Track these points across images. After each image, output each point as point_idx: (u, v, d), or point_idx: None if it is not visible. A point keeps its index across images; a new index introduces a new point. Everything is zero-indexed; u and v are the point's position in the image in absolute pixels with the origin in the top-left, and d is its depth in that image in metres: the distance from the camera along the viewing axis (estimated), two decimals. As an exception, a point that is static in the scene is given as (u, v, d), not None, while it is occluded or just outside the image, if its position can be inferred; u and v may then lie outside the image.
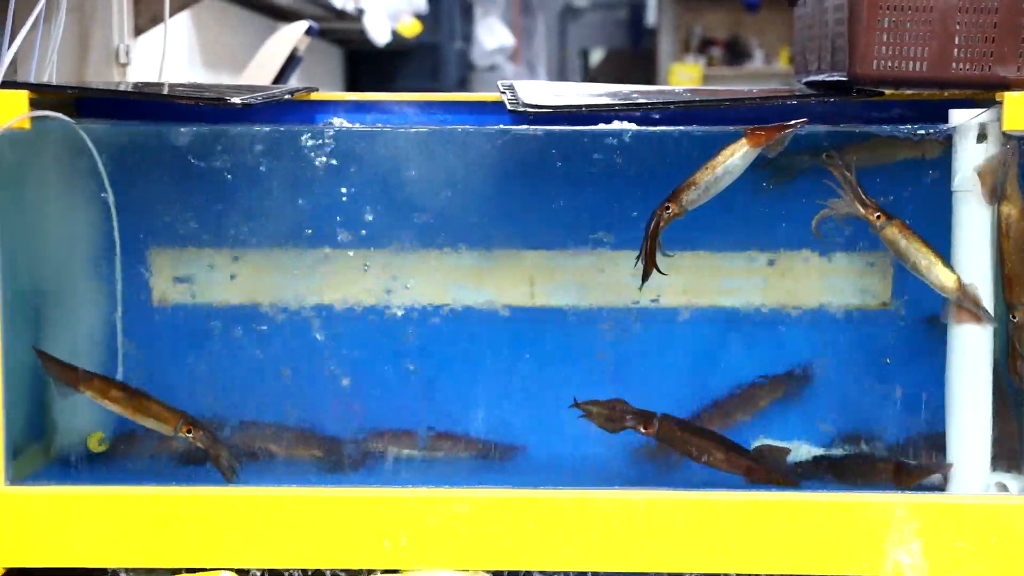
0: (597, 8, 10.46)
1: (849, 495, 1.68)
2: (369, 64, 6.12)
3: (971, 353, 1.66)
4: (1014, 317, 1.65)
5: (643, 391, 1.85)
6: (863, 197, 1.67)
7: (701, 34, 8.64)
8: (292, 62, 3.26)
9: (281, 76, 3.24)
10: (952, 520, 1.63)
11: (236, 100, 1.69)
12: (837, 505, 1.65)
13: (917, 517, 1.63)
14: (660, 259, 1.67)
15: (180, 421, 1.77)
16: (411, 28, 5.72)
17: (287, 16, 4.16)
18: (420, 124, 1.85)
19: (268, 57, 3.18)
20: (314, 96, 1.86)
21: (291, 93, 1.83)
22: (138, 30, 2.77)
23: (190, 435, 1.77)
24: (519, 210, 1.88)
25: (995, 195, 1.63)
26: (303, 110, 1.86)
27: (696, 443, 1.77)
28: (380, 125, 1.84)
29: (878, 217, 1.67)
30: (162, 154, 1.86)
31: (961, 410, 1.67)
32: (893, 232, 1.67)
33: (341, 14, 4.67)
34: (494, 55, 7.08)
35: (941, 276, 1.66)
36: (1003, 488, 1.66)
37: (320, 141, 1.82)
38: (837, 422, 1.86)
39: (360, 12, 4.78)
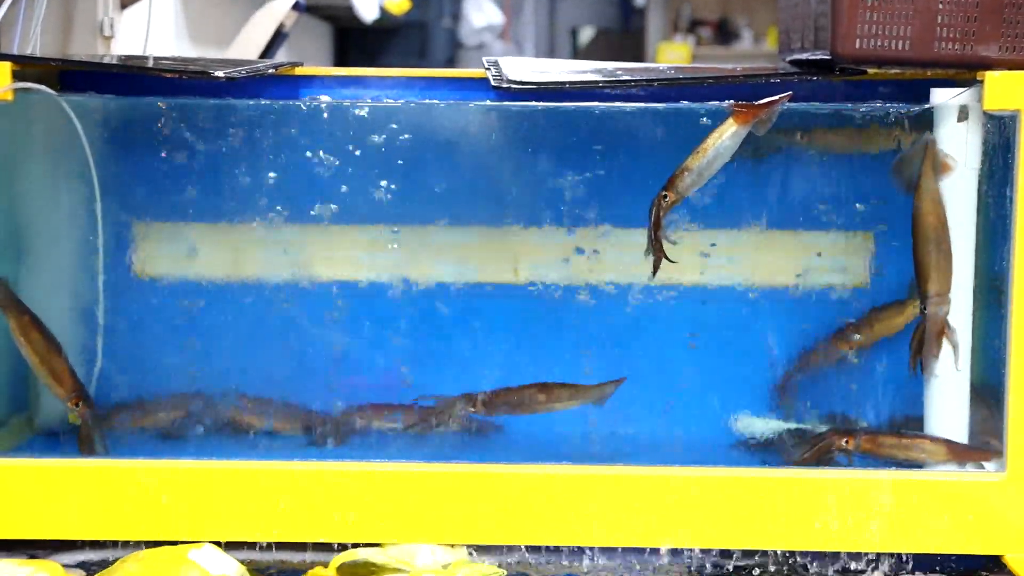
0: (587, -13, 10.42)
1: (826, 471, 1.69)
2: (357, 41, 6.10)
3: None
4: (925, 309, 1.66)
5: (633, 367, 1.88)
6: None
7: (690, 14, 8.62)
8: (279, 38, 3.25)
9: (267, 51, 3.22)
10: (930, 496, 1.65)
11: (220, 73, 1.69)
12: (816, 482, 1.66)
13: (896, 493, 1.65)
14: (666, 246, 1.68)
15: (73, 392, 1.78)
16: (399, 5, 5.69)
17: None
18: (404, 99, 1.85)
19: (254, 32, 3.17)
20: (298, 71, 1.86)
21: (275, 67, 1.83)
22: (124, 4, 2.76)
23: (77, 408, 1.79)
24: (504, 187, 1.88)
25: (911, 186, 1.64)
26: (287, 85, 1.85)
27: None
28: (365, 100, 1.84)
29: None
30: (145, 127, 1.86)
31: (939, 388, 1.68)
32: None
33: (330, -10, 4.67)
34: (482, 33, 7.05)
35: None
36: (979, 466, 1.67)
37: (304, 116, 1.82)
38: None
39: (348, -12, 4.77)
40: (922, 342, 1.68)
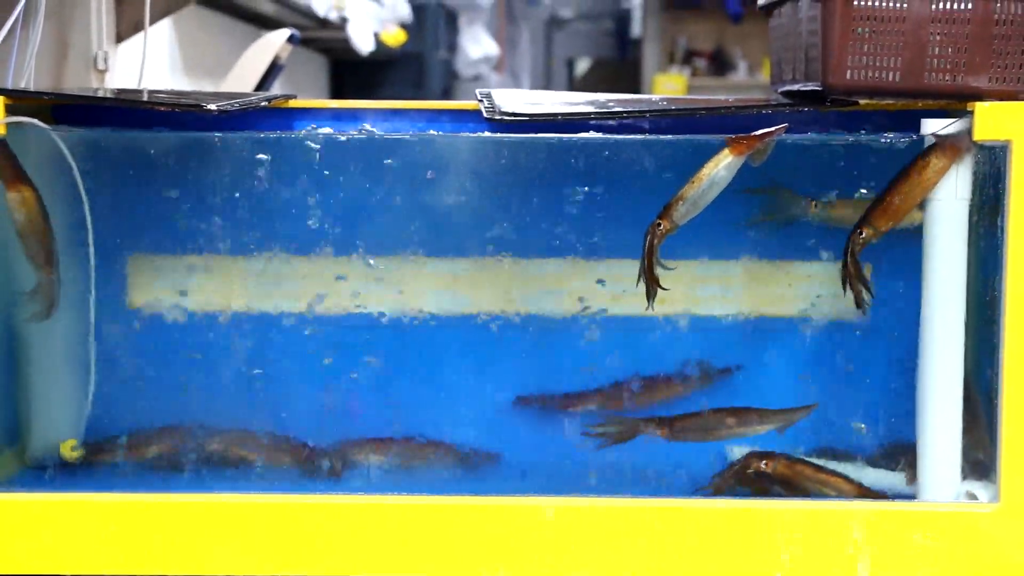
0: (583, 18, 10.49)
1: (821, 503, 1.69)
2: (353, 73, 6.12)
3: (942, 361, 1.67)
4: (861, 233, 1.68)
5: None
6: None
7: (686, 45, 8.67)
8: (274, 70, 3.27)
9: (263, 84, 3.24)
10: (922, 527, 1.64)
11: (212, 107, 1.69)
12: (808, 512, 1.66)
13: (888, 524, 1.64)
14: (661, 273, 1.69)
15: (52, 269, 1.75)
16: (395, 37, 5.72)
17: (270, 24, 4.16)
18: (398, 132, 1.86)
19: (249, 65, 3.18)
20: (292, 103, 1.86)
21: (268, 100, 1.84)
22: (119, 37, 2.77)
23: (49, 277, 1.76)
24: (496, 217, 1.89)
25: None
26: (280, 117, 1.86)
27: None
28: (358, 131, 1.84)
29: None
30: (138, 161, 1.86)
31: (931, 419, 1.68)
32: None
33: (325, 23, 4.68)
34: (479, 64, 7.09)
35: None
36: (972, 497, 1.67)
37: (297, 148, 1.82)
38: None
39: (344, 21, 4.79)
40: (855, 267, 1.70)
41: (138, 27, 2.88)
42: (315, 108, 1.88)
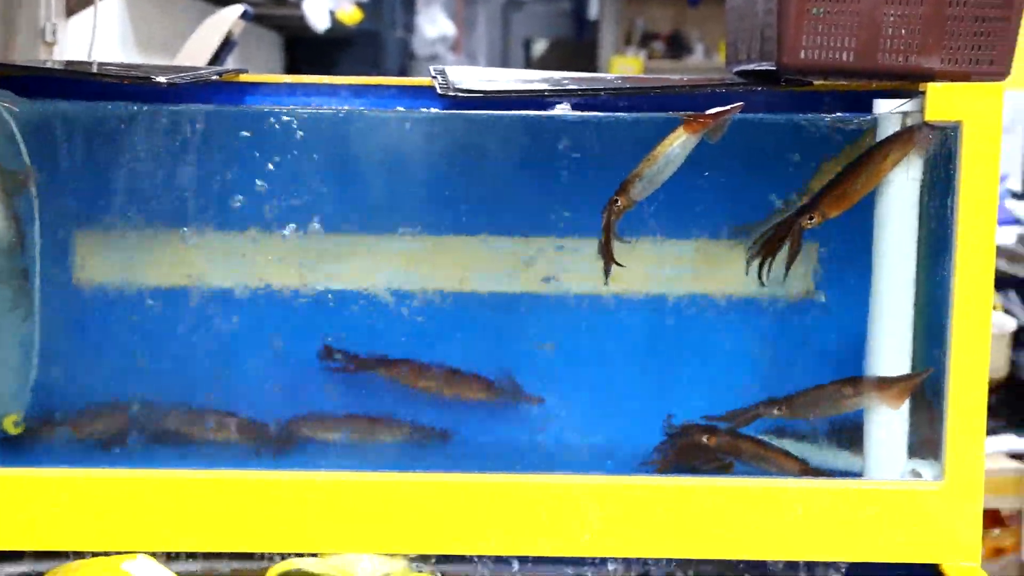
0: None
1: (765, 480, 1.70)
2: (309, 51, 6.08)
3: (889, 340, 1.68)
4: (811, 218, 1.69)
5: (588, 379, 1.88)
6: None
7: (643, 27, 8.68)
8: (227, 46, 3.22)
9: (216, 60, 3.20)
10: (867, 505, 1.65)
11: (162, 79, 1.67)
12: (753, 490, 1.66)
13: (832, 501, 1.65)
14: (618, 247, 1.69)
15: None
16: (352, 16, 5.69)
17: (223, 1, 4.12)
18: (352, 107, 1.84)
19: (202, 41, 3.14)
20: (243, 77, 1.84)
21: (219, 74, 1.81)
22: (70, 11, 2.74)
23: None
24: (451, 195, 1.88)
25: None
26: (231, 91, 1.84)
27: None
28: (310, 108, 1.83)
29: None
30: (83, 134, 1.83)
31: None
32: None
33: (280, 0, 4.64)
34: (435, 44, 7.06)
35: None
36: (917, 475, 1.68)
37: (247, 123, 1.81)
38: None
39: (299, -3, 4.76)
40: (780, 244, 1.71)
41: (89, 1, 2.85)
42: (267, 83, 1.85)
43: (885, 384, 1.70)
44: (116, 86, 1.75)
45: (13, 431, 1.86)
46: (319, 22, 4.93)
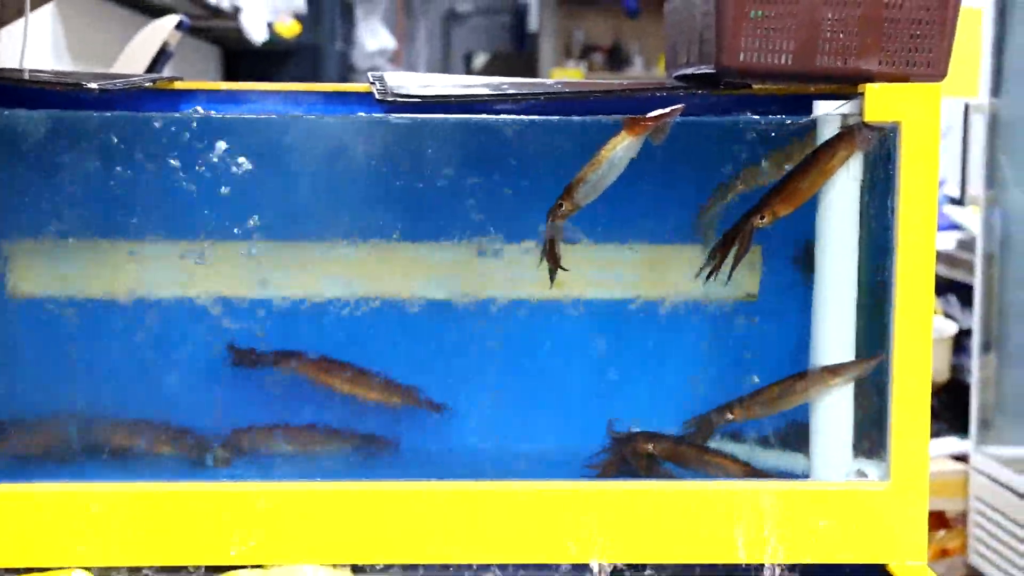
0: (481, 12, 10.48)
1: (711, 483, 1.69)
2: (247, 64, 6.03)
3: (833, 341, 1.68)
4: (762, 218, 1.68)
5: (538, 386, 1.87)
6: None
7: (583, 40, 8.70)
8: (163, 56, 3.19)
9: (152, 70, 3.16)
10: (813, 506, 1.65)
11: (93, 85, 1.64)
12: (699, 493, 1.66)
13: (779, 503, 1.65)
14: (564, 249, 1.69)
15: None
16: (290, 28, 5.65)
17: (159, 13, 4.07)
18: (286, 113, 1.82)
19: (137, 51, 3.10)
20: (176, 84, 1.82)
21: (152, 81, 1.79)
22: (0, 22, 2.69)
23: None
24: (392, 201, 1.86)
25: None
26: (165, 98, 1.81)
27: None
28: (246, 114, 1.80)
29: None
30: (17, 143, 1.80)
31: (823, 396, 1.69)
32: None
33: (217, 12, 4.60)
34: (375, 57, 7.03)
35: None
36: (863, 475, 1.68)
37: (181, 130, 1.78)
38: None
39: (237, 10, 4.71)
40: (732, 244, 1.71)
41: (20, 12, 2.80)
42: (200, 90, 1.83)
43: (833, 370, 1.70)
44: (47, 93, 1.72)
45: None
46: (256, 34, 4.89)
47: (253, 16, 4.80)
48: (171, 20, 3.16)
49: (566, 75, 8.42)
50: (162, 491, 1.64)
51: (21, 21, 2.63)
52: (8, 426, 1.84)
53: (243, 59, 6.00)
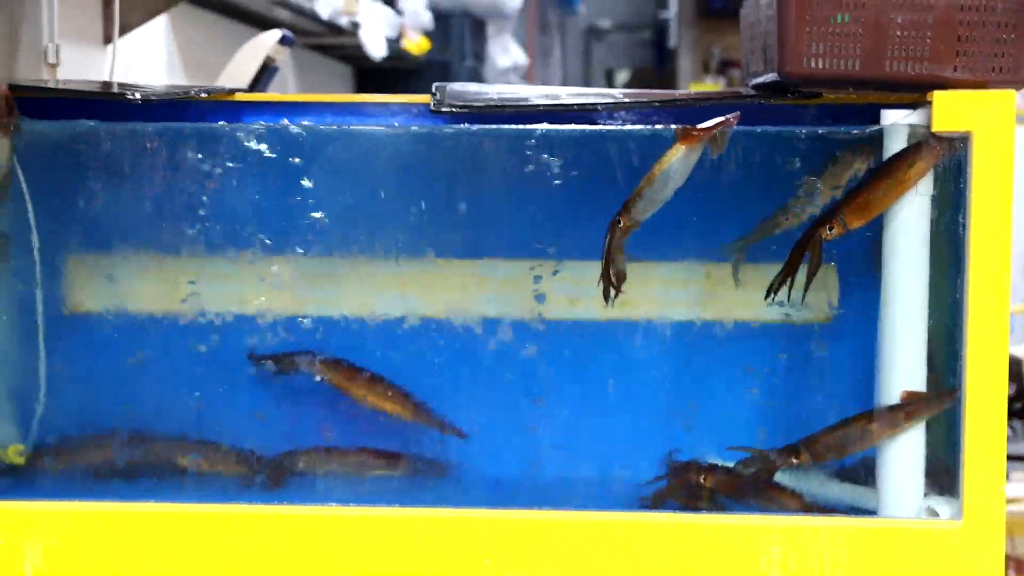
0: (622, 29, 10.41)
1: (780, 518, 1.59)
2: (378, 82, 6.07)
3: (904, 372, 1.57)
4: (831, 228, 1.58)
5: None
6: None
7: (720, 55, 8.58)
8: (267, 71, 3.20)
9: (255, 85, 3.18)
10: (881, 545, 1.54)
11: (136, 96, 1.63)
12: (766, 528, 1.56)
13: (849, 541, 1.54)
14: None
15: None
16: (419, 45, 5.66)
17: (272, 27, 4.11)
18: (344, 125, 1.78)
19: (239, 66, 3.12)
20: (237, 97, 1.79)
21: (207, 92, 1.77)
22: (107, 38, 2.74)
23: None
24: (444, 217, 1.81)
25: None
26: (220, 110, 1.79)
27: None
28: (302, 124, 1.77)
29: None
30: (77, 157, 1.79)
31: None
32: None
33: (337, 29, 4.62)
34: (507, 74, 7.01)
35: None
36: (933, 513, 1.56)
37: (235, 141, 1.75)
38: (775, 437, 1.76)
39: (355, 26, 4.72)
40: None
41: (125, 28, 2.85)
42: (259, 102, 1.81)
43: (909, 413, 1.58)
44: (102, 103, 1.71)
45: (16, 461, 1.82)
46: (376, 50, 4.90)
47: (372, 32, 4.81)
48: (273, 35, 3.16)
49: (704, 90, 8.31)
50: (218, 512, 1.61)
51: (140, 30, 2.68)
52: (64, 442, 1.83)
53: (374, 77, 6.05)
